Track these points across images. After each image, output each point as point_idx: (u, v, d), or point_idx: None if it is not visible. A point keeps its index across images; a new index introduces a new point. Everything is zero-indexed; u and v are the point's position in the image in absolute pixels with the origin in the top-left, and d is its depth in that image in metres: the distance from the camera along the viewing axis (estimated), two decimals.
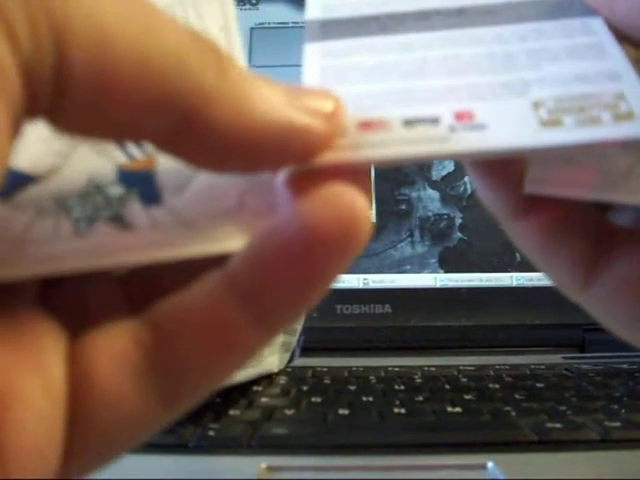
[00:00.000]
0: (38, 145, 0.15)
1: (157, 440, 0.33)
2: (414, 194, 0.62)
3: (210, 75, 0.12)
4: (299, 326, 0.46)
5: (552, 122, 0.14)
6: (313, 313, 0.56)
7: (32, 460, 0.12)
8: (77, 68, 0.11)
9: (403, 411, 0.37)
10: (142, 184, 0.14)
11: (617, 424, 0.34)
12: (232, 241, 0.14)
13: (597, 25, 0.16)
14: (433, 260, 0.61)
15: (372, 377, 0.45)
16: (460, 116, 0.14)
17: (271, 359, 0.43)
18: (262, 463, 0.30)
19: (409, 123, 0.14)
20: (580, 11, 0.17)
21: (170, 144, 0.12)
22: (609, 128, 0.14)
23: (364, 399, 0.39)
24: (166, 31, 0.11)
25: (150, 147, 0.14)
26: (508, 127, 0.14)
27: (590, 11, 0.17)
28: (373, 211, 0.62)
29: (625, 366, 0.49)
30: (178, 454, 0.32)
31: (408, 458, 0.31)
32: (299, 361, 0.48)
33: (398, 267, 0.61)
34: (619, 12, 0.16)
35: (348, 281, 0.61)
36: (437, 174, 0.62)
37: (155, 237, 0.13)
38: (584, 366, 0.49)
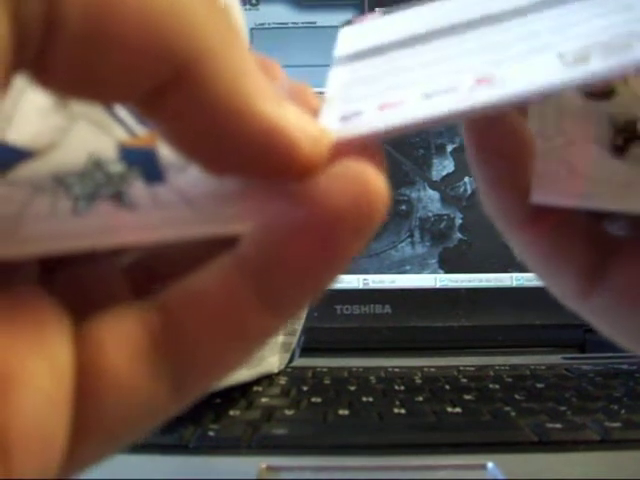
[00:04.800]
0: (36, 120, 0.14)
1: (157, 440, 0.33)
2: (414, 194, 0.62)
3: (216, 34, 0.11)
4: (299, 326, 0.46)
5: (579, 60, 0.13)
6: (313, 313, 0.56)
7: (36, 444, 0.11)
8: (70, 13, 0.10)
9: (403, 411, 0.37)
10: (144, 162, 0.14)
11: (617, 424, 0.34)
12: (238, 222, 0.13)
13: None
14: (433, 260, 0.61)
15: (372, 377, 0.46)
16: (480, 80, 0.13)
17: (271, 359, 0.43)
18: (262, 463, 0.30)
19: (428, 96, 0.13)
20: None
21: (156, 102, 0.11)
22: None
23: (364, 399, 0.39)
24: None
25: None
26: (531, 75, 0.13)
27: None
28: None
29: (625, 366, 0.49)
30: (178, 454, 0.32)
31: (408, 458, 0.31)
32: (299, 361, 0.48)
33: (398, 267, 0.61)
34: None
35: (348, 281, 0.61)
36: (437, 174, 0.62)
37: (158, 216, 0.13)
38: (584, 366, 0.49)
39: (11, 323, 0.12)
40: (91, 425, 0.12)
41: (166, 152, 0.14)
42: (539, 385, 0.43)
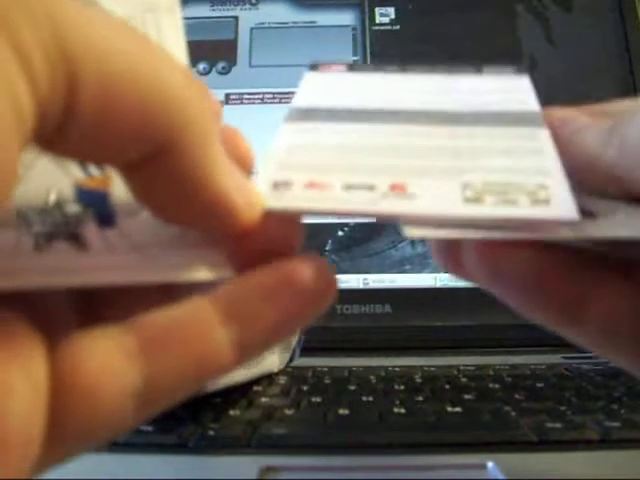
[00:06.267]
0: None
1: (157, 440, 0.33)
2: None
3: (194, 117, 0.14)
4: None
5: (474, 199, 0.15)
6: None
7: (19, 445, 0.13)
8: (83, 106, 0.12)
9: (403, 411, 0.37)
10: (97, 203, 0.15)
11: (617, 424, 0.34)
12: (179, 272, 0.15)
13: (541, 133, 0.18)
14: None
15: (372, 377, 0.45)
16: (394, 187, 0.16)
17: (271, 359, 0.43)
18: (262, 463, 0.30)
19: (349, 187, 0.16)
20: (532, 122, 0.19)
21: (137, 167, 0.14)
22: (524, 210, 0.15)
23: (364, 399, 0.39)
24: (165, 70, 0.13)
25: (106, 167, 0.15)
26: (434, 199, 0.15)
27: (540, 123, 0.18)
28: None
29: None
30: (178, 454, 0.32)
31: (408, 458, 0.31)
32: (299, 361, 0.48)
33: (398, 267, 0.61)
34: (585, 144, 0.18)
35: (348, 281, 0.61)
36: None
37: (109, 261, 0.14)
38: (584, 366, 0.49)
39: None
40: (64, 432, 0.14)
41: (118, 195, 0.15)
42: (539, 385, 0.43)
